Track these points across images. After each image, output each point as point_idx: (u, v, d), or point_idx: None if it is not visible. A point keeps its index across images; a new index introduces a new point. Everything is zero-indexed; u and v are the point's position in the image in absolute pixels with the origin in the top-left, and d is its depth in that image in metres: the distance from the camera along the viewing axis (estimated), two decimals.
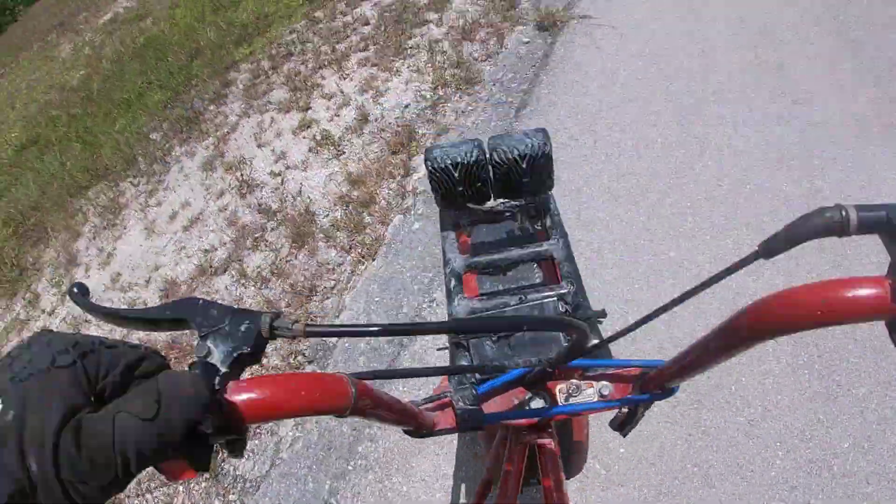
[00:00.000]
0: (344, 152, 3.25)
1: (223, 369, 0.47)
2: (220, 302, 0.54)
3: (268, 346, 0.58)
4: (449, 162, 1.14)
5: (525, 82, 3.57)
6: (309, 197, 3.02)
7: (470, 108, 3.43)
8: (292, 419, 2.21)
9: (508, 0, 4.64)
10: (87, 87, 6.05)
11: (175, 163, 3.86)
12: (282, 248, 2.80)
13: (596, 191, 2.67)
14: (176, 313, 0.52)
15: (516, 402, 0.99)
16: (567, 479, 1.55)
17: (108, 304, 2.73)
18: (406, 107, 3.52)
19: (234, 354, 0.48)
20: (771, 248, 0.51)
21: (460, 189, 1.18)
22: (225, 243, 2.99)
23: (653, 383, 0.92)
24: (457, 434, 1.87)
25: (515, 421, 0.99)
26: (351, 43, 4.47)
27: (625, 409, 1.02)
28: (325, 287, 2.55)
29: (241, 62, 4.77)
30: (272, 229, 2.95)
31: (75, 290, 0.56)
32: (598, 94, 3.29)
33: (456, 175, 1.15)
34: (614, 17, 4.08)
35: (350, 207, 2.85)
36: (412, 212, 2.76)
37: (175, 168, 3.80)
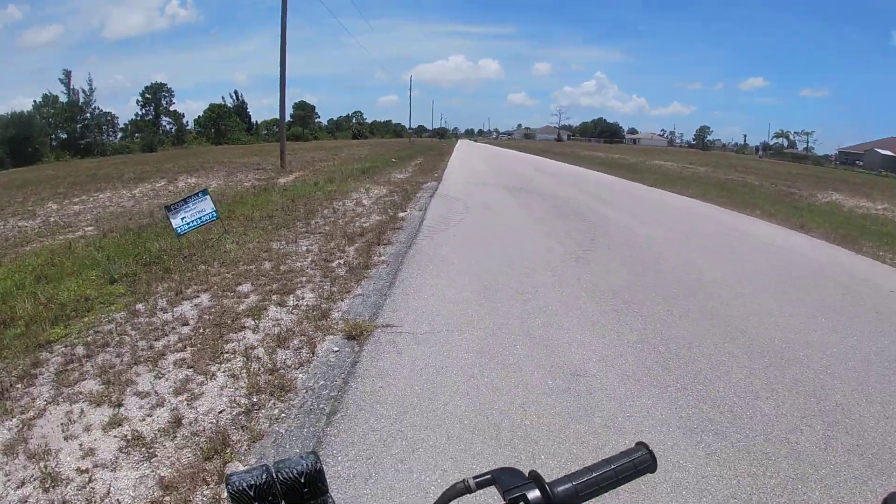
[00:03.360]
0: (156, 455, 3.54)
1: None
2: None
3: None
4: (245, 485, 1.62)
5: (335, 389, 4.22)
6: (117, 500, 3.24)
7: (283, 414, 3.94)
8: None
9: (320, 311, 5.54)
10: None
11: None
12: None
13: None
14: None
15: None
16: None
17: None
18: (221, 412, 3.97)
19: None
20: None
21: None
22: None
23: None
24: None
25: None
26: (169, 342, 4.94)
27: None
28: None
29: (56, 343, 4.96)
30: None
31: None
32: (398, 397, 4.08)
33: (252, 494, 1.62)
34: (412, 324, 5.10)
35: None
36: None
37: None
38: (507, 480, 0.77)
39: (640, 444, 0.81)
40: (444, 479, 3.41)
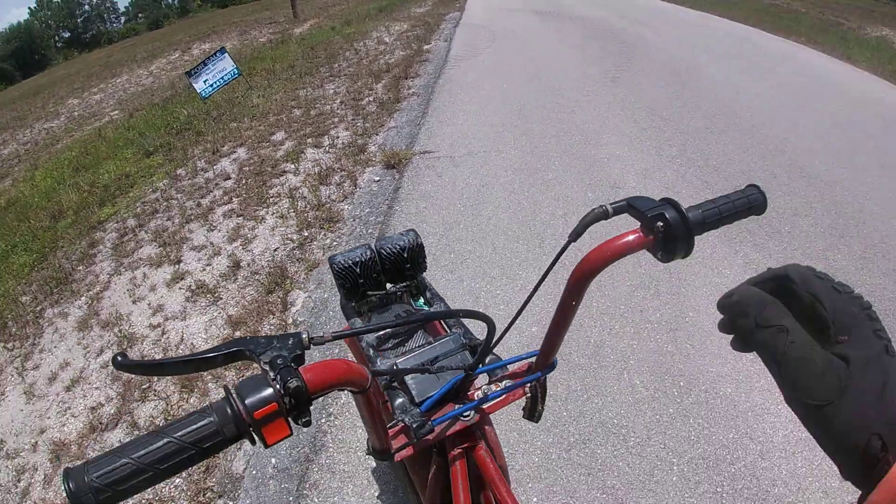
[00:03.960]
0: (221, 298, 3.55)
1: (290, 363, 0.66)
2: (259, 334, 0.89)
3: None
4: (350, 263, 1.53)
5: (381, 215, 4.12)
6: (192, 343, 3.27)
7: (335, 243, 3.89)
8: None
9: (357, 146, 5.30)
10: None
11: (48, 325, 3.93)
12: (171, 395, 3.00)
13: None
14: (230, 348, 0.68)
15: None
16: None
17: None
18: (276, 250, 3.92)
19: (291, 356, 0.67)
20: (574, 235, 0.86)
21: (361, 281, 1.54)
22: (112, 399, 3.12)
23: (538, 365, 1.26)
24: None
25: (449, 428, 1.26)
26: (214, 197, 4.85)
27: (528, 395, 1.36)
28: None
29: (107, 222, 4.98)
30: (159, 378, 3.14)
31: (119, 359, 0.66)
32: (442, 215, 3.92)
33: (357, 271, 1.53)
34: (448, 149, 4.85)
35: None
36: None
37: (49, 330, 3.87)
38: (642, 203, 0.80)
39: (752, 186, 0.83)
40: (492, 284, 3.36)
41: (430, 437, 1.18)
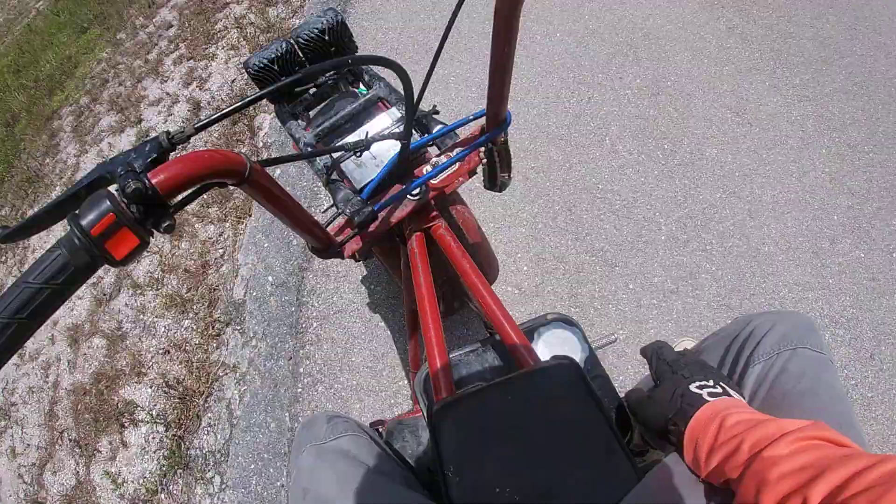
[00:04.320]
0: (188, 140, 3.25)
1: (140, 169, 0.62)
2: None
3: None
4: (266, 61, 1.28)
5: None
6: None
7: None
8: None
9: None
10: None
11: None
12: (163, 246, 2.80)
13: None
14: (91, 178, 0.65)
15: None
16: (492, 283, 1.68)
17: (28, 377, 2.68)
18: (233, 81, 3.54)
19: (146, 162, 0.63)
20: None
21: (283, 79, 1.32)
22: (108, 270, 2.96)
23: (490, 124, 1.10)
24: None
25: (399, 212, 1.16)
26: (161, 49, 4.39)
27: (484, 161, 1.21)
28: (215, 258, 2.59)
29: (60, 108, 4.60)
30: None
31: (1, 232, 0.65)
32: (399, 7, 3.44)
33: (276, 68, 1.29)
34: None
35: None
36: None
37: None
38: None
39: None
40: (462, 69, 3.07)
41: (375, 223, 1.13)
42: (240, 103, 0.75)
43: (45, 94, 4.93)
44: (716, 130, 2.50)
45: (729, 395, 0.72)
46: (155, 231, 0.58)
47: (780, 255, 2.11)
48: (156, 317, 2.57)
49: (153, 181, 0.56)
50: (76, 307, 2.91)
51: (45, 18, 6.37)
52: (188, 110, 3.48)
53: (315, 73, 0.99)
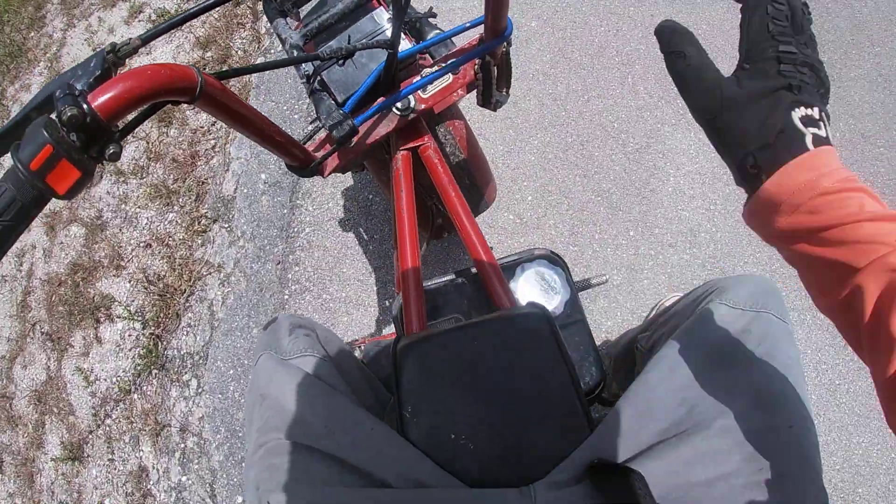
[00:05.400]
0: (190, 26, 2.99)
1: (81, 88, 0.57)
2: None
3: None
4: None
5: None
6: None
7: None
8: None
9: None
10: None
11: (13, 102, 3.51)
12: (150, 132, 2.59)
13: None
14: (38, 100, 0.60)
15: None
16: (486, 207, 1.57)
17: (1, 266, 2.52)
18: None
19: (90, 80, 0.58)
20: None
21: None
22: None
23: (488, 34, 1.00)
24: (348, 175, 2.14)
25: (383, 127, 1.08)
26: None
27: (479, 76, 1.11)
28: (206, 149, 2.39)
29: None
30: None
31: None
32: None
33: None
34: None
35: (208, 68, 2.64)
36: (272, 51, 2.58)
37: (15, 108, 3.46)
38: None
39: None
40: None
41: (354, 138, 1.04)
42: (199, 7, 0.70)
43: None
44: None
45: (830, 143, 0.52)
46: (100, 159, 0.54)
47: None
48: (139, 207, 2.40)
49: (93, 105, 0.52)
50: None
51: None
52: None
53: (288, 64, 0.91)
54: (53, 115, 0.51)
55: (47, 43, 3.65)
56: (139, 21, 3.20)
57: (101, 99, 0.52)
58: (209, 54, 2.70)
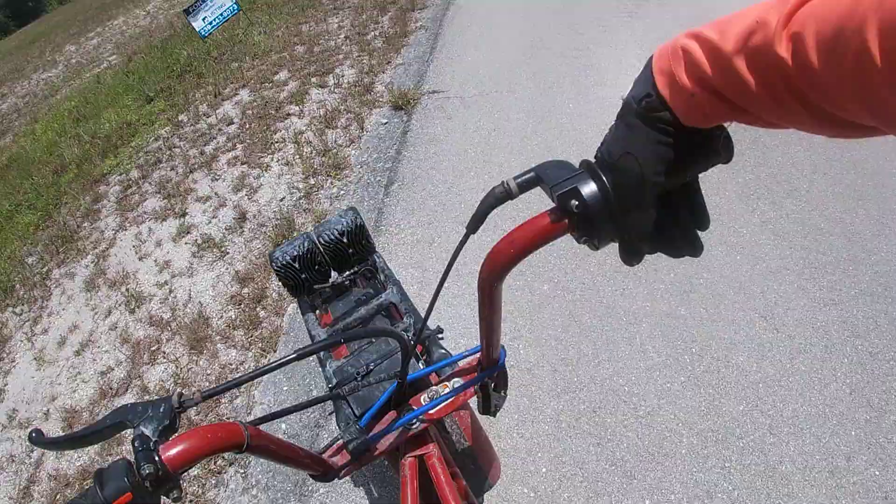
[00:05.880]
0: (227, 252, 3.41)
1: (154, 438, 0.68)
2: (143, 400, 0.79)
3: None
4: (288, 258, 1.41)
5: (389, 161, 3.90)
6: (200, 302, 3.15)
7: (342, 192, 3.70)
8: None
9: (363, 86, 5.02)
10: None
11: (56, 286, 3.84)
12: (180, 357, 2.90)
13: None
14: (113, 420, 0.71)
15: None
16: (489, 487, 1.74)
17: (12, 442, 2.73)
18: (282, 199, 3.74)
19: (160, 428, 0.70)
20: (473, 225, 0.71)
21: (304, 276, 1.43)
22: (121, 362, 3.04)
23: (484, 363, 1.16)
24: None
25: (394, 440, 1.20)
26: (218, 144, 4.65)
27: (478, 393, 1.26)
28: (230, 396, 2.68)
29: (110, 174, 4.82)
30: (167, 340, 3.03)
31: (34, 434, 0.71)
32: (452, 161, 3.70)
33: (297, 266, 1.42)
34: (459, 89, 4.56)
35: (242, 305, 3.01)
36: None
37: (57, 291, 3.78)
38: (554, 173, 0.62)
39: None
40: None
41: (371, 453, 1.15)
42: (254, 372, 0.82)
43: (98, 154, 5.17)
44: (743, 336, 2.52)
45: None
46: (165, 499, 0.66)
47: (797, 475, 2.11)
48: None
49: (164, 458, 0.64)
50: (79, 389, 2.99)
51: (115, 75, 6.75)
52: (233, 218, 3.66)
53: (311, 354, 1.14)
54: (132, 461, 0.63)
55: (98, 238, 4.08)
56: (185, 242, 3.64)
57: (170, 454, 0.65)
58: (246, 290, 3.08)
